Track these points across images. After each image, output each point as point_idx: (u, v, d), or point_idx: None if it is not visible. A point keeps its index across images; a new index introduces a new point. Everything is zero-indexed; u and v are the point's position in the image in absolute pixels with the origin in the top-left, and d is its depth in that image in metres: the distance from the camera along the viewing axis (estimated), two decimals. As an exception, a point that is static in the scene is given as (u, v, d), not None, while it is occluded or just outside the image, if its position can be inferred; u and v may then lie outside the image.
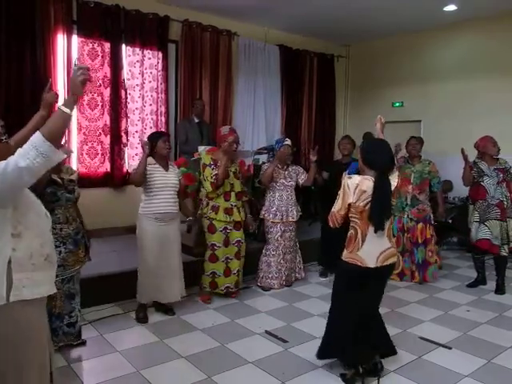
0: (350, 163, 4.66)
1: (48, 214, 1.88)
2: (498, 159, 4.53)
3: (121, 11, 5.64)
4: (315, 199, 6.44)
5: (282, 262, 4.59)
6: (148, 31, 5.88)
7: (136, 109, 5.96)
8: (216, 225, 4.09)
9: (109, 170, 5.75)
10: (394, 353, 2.96)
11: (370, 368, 2.84)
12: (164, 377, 2.89)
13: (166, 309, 3.88)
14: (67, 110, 1.68)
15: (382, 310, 3.98)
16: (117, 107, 5.71)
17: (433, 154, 6.81)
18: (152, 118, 6.07)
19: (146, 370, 2.94)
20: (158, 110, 6.09)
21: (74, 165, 5.55)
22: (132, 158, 5.93)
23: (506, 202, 4.46)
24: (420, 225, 4.82)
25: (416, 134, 7.18)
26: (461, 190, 6.39)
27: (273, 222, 4.55)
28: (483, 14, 6.19)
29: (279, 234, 4.55)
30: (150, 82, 6.03)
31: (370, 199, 2.62)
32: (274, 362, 3.09)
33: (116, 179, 5.75)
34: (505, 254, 4.53)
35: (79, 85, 1.72)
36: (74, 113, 5.37)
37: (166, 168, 3.73)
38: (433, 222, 4.94)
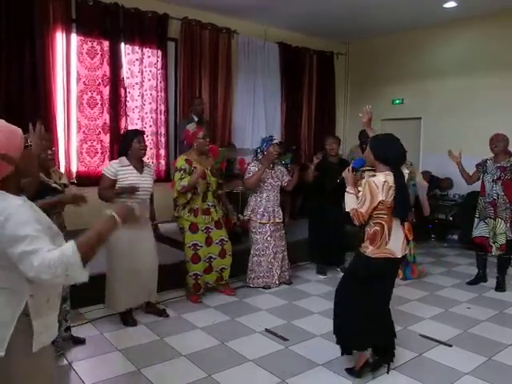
0: (344, 161, 4.88)
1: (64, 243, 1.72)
2: (510, 156, 4.45)
3: (120, 9, 5.63)
4: (305, 198, 6.42)
5: (272, 261, 4.53)
6: (147, 29, 5.87)
7: (135, 107, 5.95)
8: (198, 225, 4.06)
9: (108, 168, 5.74)
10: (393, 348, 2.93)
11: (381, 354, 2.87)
12: (164, 375, 2.88)
13: (158, 311, 3.82)
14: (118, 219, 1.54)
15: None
16: (116, 106, 5.70)
17: (433, 151, 6.82)
18: (152, 117, 6.06)
19: (146, 368, 2.94)
20: (157, 108, 6.08)
21: (74, 164, 5.56)
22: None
23: (497, 200, 4.43)
24: (407, 223, 4.79)
25: (416, 131, 7.22)
26: (461, 188, 6.38)
27: (261, 222, 4.48)
28: (483, 11, 6.17)
29: (268, 233, 4.49)
30: (150, 80, 6.03)
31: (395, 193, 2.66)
32: (275, 360, 3.09)
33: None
34: (495, 253, 4.51)
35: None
36: (74, 112, 5.46)
37: (141, 170, 3.54)
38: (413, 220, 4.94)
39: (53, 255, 1.39)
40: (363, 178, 3.60)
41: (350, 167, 2.90)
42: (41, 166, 2.88)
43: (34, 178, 1.71)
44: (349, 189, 2.80)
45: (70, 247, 1.42)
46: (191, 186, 3.90)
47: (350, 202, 2.76)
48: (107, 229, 1.54)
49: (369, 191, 2.64)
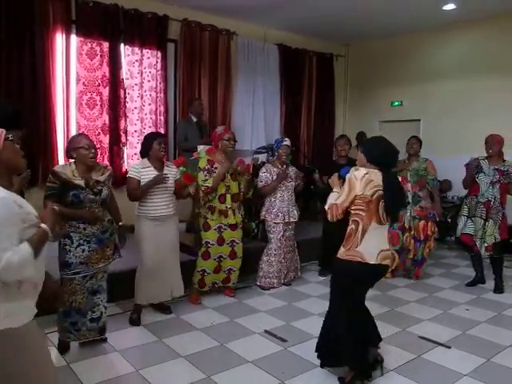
0: (353, 160, 4.77)
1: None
2: (504, 160, 4.46)
3: (119, 10, 5.63)
4: (317, 199, 6.46)
5: (282, 261, 4.60)
6: (147, 30, 5.87)
7: (135, 108, 5.95)
8: (210, 223, 4.10)
9: (108, 169, 5.74)
10: (380, 339, 2.93)
11: (369, 365, 2.84)
12: (163, 376, 2.88)
13: (163, 307, 3.88)
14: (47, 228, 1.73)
15: (381, 310, 4.00)
16: (116, 107, 5.71)
17: (432, 153, 6.81)
18: (151, 118, 6.07)
19: (145, 369, 2.94)
20: (157, 109, 6.08)
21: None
22: (131, 158, 5.94)
23: (492, 203, 4.43)
24: (422, 222, 4.83)
25: (415, 133, 7.18)
26: (460, 190, 6.38)
27: (275, 222, 4.54)
28: (483, 13, 6.18)
29: (281, 233, 4.55)
30: (149, 81, 6.03)
31: (379, 189, 2.60)
32: (274, 362, 3.09)
33: (115, 178, 5.73)
34: (482, 252, 4.55)
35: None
36: (73, 113, 5.45)
37: (161, 170, 3.67)
38: (437, 219, 4.95)
39: (13, 259, 1.56)
40: None
41: (337, 174, 2.89)
42: (81, 162, 2.98)
43: (21, 171, 1.80)
44: (335, 189, 2.80)
45: (27, 250, 1.61)
46: (214, 187, 4.01)
47: (330, 198, 2.74)
48: (44, 235, 1.73)
49: (348, 184, 2.63)
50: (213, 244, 4.12)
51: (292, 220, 4.59)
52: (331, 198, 2.74)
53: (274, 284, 4.59)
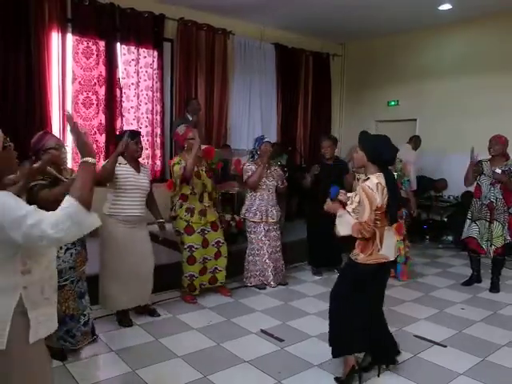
0: (339, 162, 4.99)
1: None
2: (507, 160, 4.42)
3: (116, 9, 5.61)
4: (301, 199, 6.48)
5: (267, 261, 4.53)
6: (143, 30, 5.86)
7: (131, 107, 5.94)
8: (194, 226, 4.07)
9: (104, 168, 5.73)
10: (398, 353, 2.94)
11: (366, 365, 2.85)
12: (160, 376, 2.88)
13: (149, 311, 3.82)
14: (93, 161, 1.59)
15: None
16: (112, 106, 5.69)
17: (428, 152, 6.84)
18: (147, 117, 6.05)
19: (141, 369, 2.93)
20: (153, 108, 6.07)
21: (69, 164, 5.52)
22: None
23: (495, 203, 4.42)
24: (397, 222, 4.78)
25: (411, 132, 7.24)
26: (456, 189, 6.42)
27: (254, 221, 4.51)
28: (478, 13, 6.20)
29: (263, 233, 4.51)
30: (146, 80, 6.02)
31: (387, 194, 2.61)
32: (270, 361, 3.09)
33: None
34: (490, 256, 4.54)
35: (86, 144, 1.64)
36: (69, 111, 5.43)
37: (138, 169, 3.58)
38: (407, 219, 4.91)
39: (56, 215, 1.45)
40: (357, 179, 3.59)
41: (329, 200, 2.82)
42: (53, 163, 2.87)
43: (14, 173, 1.76)
44: (339, 213, 2.69)
45: (67, 200, 1.48)
46: (189, 169, 3.90)
47: (346, 223, 2.63)
48: (89, 171, 1.59)
49: (365, 197, 2.57)
50: (197, 248, 4.10)
51: (271, 220, 4.53)
52: (347, 221, 2.64)
53: (262, 282, 4.55)
